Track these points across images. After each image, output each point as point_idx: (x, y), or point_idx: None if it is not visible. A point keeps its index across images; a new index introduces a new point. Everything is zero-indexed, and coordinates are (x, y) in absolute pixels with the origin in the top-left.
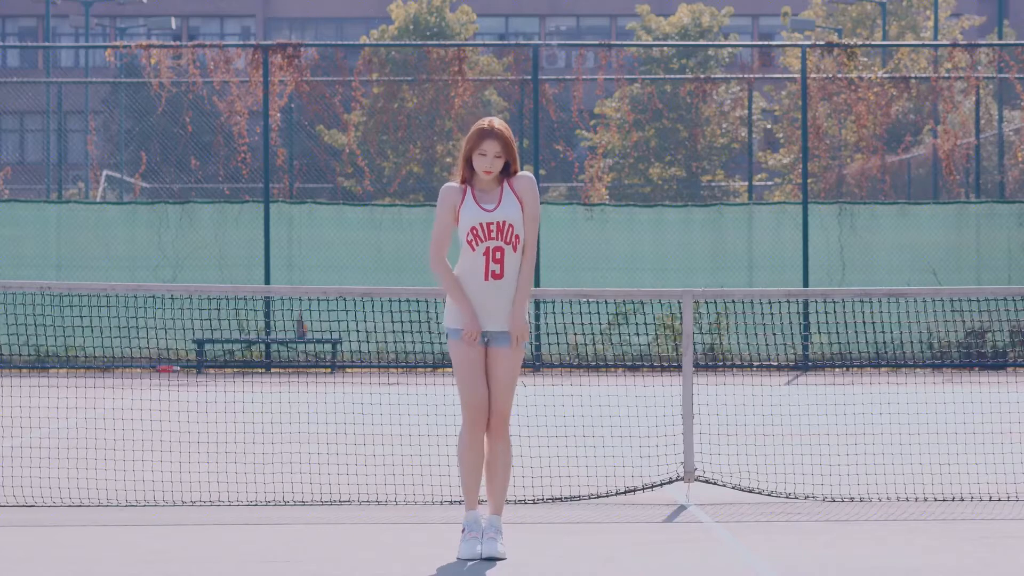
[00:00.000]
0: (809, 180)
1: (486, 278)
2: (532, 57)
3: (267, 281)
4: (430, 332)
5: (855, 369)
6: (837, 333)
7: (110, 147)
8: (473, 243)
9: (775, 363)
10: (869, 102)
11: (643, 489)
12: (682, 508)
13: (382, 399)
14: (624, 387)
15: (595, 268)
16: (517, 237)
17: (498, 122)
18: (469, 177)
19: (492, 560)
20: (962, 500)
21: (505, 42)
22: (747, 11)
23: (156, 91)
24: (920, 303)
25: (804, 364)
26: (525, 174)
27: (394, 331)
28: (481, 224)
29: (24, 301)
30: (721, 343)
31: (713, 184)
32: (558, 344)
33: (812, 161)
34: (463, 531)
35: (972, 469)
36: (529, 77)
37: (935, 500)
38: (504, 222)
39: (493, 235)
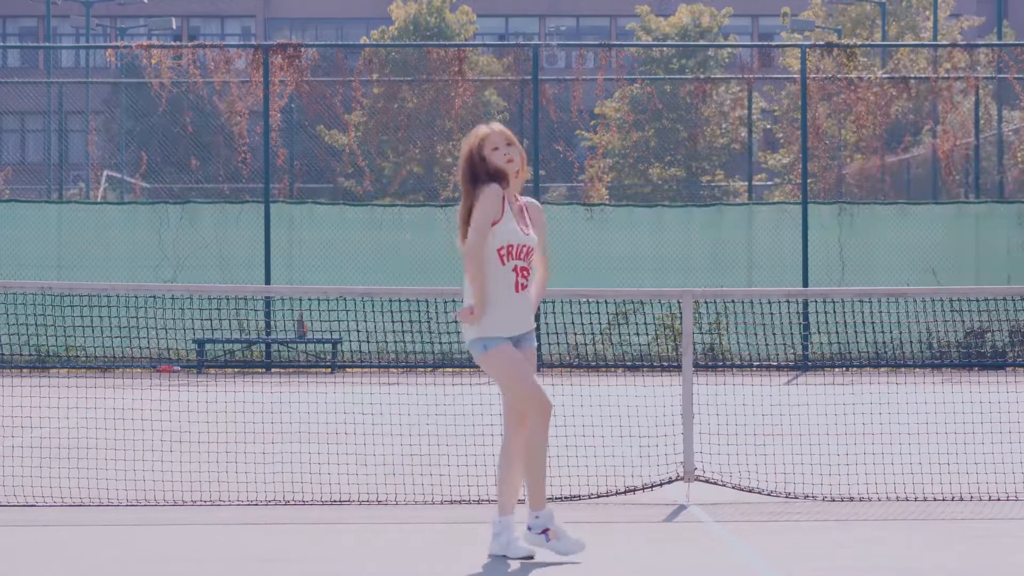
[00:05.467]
0: (809, 180)
1: (516, 290)
2: (532, 57)
3: (267, 281)
4: (430, 332)
5: (855, 369)
6: (837, 333)
7: (111, 147)
8: (505, 258)
9: (775, 363)
10: (869, 102)
11: (643, 489)
12: (682, 508)
13: (382, 399)
14: (624, 387)
15: (595, 268)
16: (531, 257)
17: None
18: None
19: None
20: (962, 500)
21: (505, 42)
22: (747, 11)
23: (157, 91)
24: (920, 303)
25: (804, 364)
26: (539, 205)
27: (394, 331)
28: (517, 245)
29: (24, 301)
30: (721, 343)
31: (713, 184)
32: (558, 344)
33: (812, 161)
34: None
35: (972, 469)
36: (529, 77)
37: (935, 500)
38: (533, 247)
39: (523, 256)
